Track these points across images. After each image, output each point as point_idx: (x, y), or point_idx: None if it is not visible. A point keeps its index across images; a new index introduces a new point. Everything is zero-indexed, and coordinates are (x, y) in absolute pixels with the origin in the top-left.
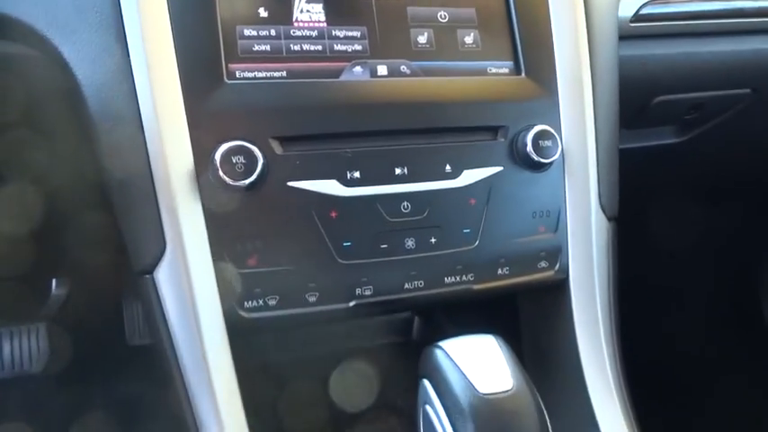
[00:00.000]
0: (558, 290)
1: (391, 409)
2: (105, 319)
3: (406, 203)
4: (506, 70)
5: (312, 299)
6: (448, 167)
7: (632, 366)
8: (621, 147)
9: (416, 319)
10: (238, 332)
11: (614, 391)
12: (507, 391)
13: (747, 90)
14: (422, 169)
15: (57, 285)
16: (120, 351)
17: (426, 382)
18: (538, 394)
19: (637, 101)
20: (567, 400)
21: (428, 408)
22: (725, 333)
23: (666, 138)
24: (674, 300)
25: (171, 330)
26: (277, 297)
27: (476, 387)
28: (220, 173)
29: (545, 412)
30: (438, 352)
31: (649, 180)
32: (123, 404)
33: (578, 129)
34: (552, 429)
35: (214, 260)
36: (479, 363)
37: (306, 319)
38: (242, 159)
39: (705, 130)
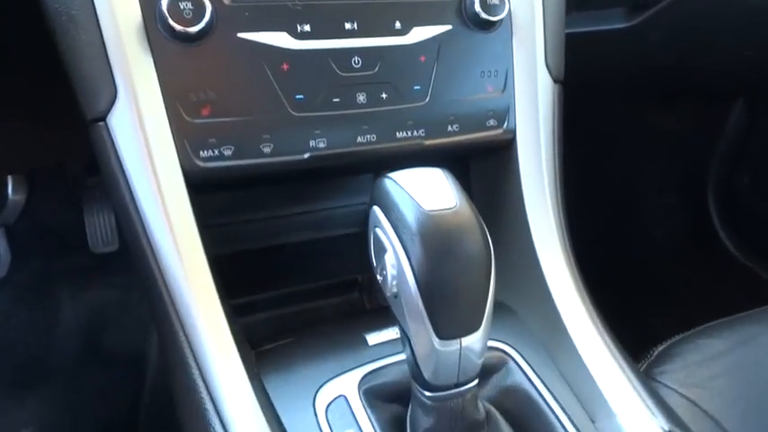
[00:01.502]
0: (505, 149)
1: (352, 284)
2: (67, 227)
3: (356, 58)
4: None
5: (267, 149)
6: (398, 24)
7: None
8: (570, 31)
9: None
10: (196, 184)
11: (557, 238)
12: (451, 208)
13: None
14: (372, 25)
15: (13, 189)
16: (84, 260)
17: (376, 208)
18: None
19: None
20: (513, 247)
21: (378, 230)
22: (671, 225)
23: (615, 22)
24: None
25: (128, 181)
26: (232, 147)
27: (421, 205)
28: (168, 18)
29: (486, 229)
30: (387, 180)
31: (598, 71)
32: (90, 312)
33: None
34: (497, 272)
35: (167, 108)
36: (426, 188)
37: (262, 171)
38: (189, 6)
39: (653, 15)
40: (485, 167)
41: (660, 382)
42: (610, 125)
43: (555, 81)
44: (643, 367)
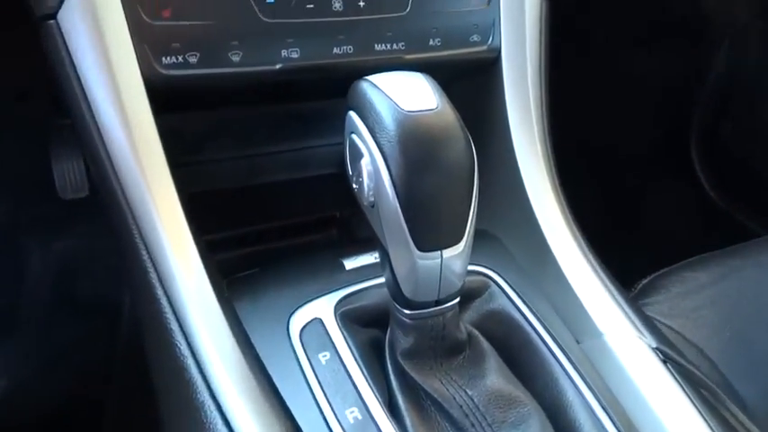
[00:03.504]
0: (489, 69)
1: (330, 221)
2: (34, 172)
3: None
4: None
5: (236, 58)
6: None
7: None
8: None
9: None
10: (159, 97)
11: (543, 163)
12: (432, 109)
13: None
14: None
15: None
16: (52, 208)
17: (352, 113)
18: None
19: None
20: (498, 174)
21: (354, 136)
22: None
23: None
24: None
25: (85, 89)
26: (197, 54)
27: (400, 106)
28: None
29: (469, 134)
30: (364, 83)
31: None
32: (60, 262)
33: None
34: (481, 199)
35: (124, 7)
36: (406, 90)
37: (230, 82)
38: None
39: None
40: (468, 89)
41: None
42: (590, 70)
43: None
44: None
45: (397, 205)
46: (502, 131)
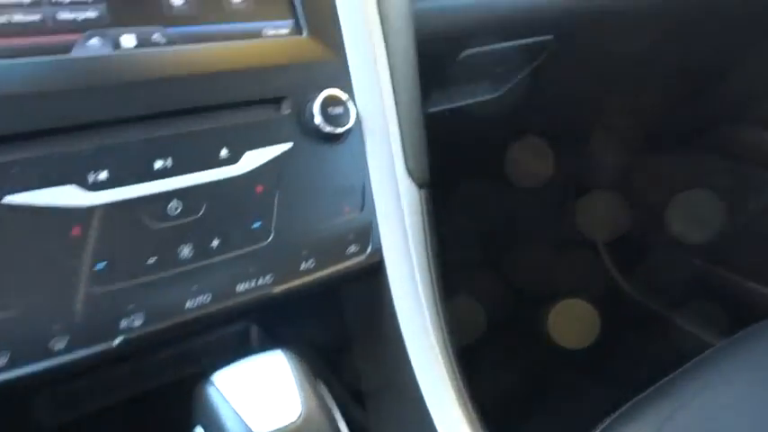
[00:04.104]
0: (374, 272)
1: None
2: None
3: (175, 203)
4: (286, 30)
5: (59, 345)
6: (224, 152)
7: None
8: (434, 110)
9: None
10: None
11: (444, 369)
12: (294, 422)
13: (550, 36)
14: (191, 158)
15: None
16: None
17: (199, 430)
18: (336, 412)
19: (443, 56)
20: (395, 385)
21: None
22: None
23: (481, 95)
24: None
25: None
26: (8, 353)
27: (251, 426)
28: None
29: None
30: (208, 390)
31: (468, 141)
32: None
33: (374, 89)
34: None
35: None
36: (261, 393)
37: (55, 374)
38: None
39: (517, 83)
40: (354, 293)
41: None
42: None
43: (420, 186)
44: None
45: None
46: (395, 339)
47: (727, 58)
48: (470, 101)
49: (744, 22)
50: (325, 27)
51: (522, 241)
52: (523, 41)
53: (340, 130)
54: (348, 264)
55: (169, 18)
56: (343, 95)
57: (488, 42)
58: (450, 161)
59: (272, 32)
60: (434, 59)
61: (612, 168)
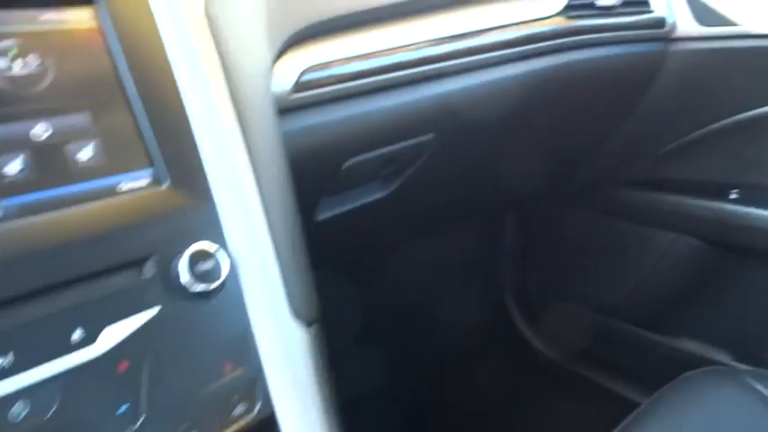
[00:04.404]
0: (267, 430)
1: None
2: None
3: (21, 404)
4: (144, 182)
5: None
6: (78, 333)
7: None
8: (326, 216)
9: None
10: None
11: None
12: None
13: (431, 135)
14: (37, 349)
15: None
16: None
17: None
18: None
19: (326, 169)
20: None
21: None
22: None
23: (371, 194)
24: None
25: None
26: None
27: None
28: None
29: None
30: None
31: (363, 236)
32: None
33: (248, 232)
34: None
35: None
36: None
37: None
38: None
39: (406, 179)
40: None
41: None
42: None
43: (310, 324)
44: None
45: None
46: None
47: (597, 135)
48: (361, 202)
49: (601, 109)
50: (188, 173)
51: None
52: (406, 143)
53: (212, 285)
54: (236, 427)
55: (4, 188)
56: (213, 247)
57: (372, 149)
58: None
59: (128, 186)
60: (318, 172)
61: (511, 235)
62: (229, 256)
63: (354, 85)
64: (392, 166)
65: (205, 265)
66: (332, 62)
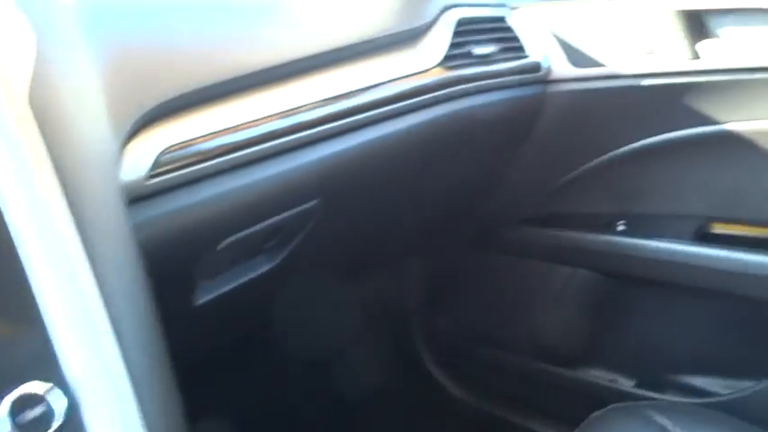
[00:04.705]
0: None
1: None
2: None
3: None
4: None
5: None
6: None
7: None
8: (206, 299)
9: None
10: None
11: None
12: None
13: (315, 201)
14: None
15: None
16: None
17: None
18: None
19: (199, 252)
20: None
21: None
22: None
23: (256, 269)
24: None
25: None
26: None
27: None
28: None
29: None
30: None
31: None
32: None
33: (94, 359)
34: None
35: None
36: None
37: None
38: None
39: (294, 249)
40: None
41: None
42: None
43: None
44: None
45: None
46: None
47: (487, 178)
48: (245, 279)
49: (488, 154)
50: (9, 295)
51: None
52: (289, 213)
53: None
54: None
55: None
56: (44, 387)
57: (251, 224)
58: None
59: None
60: (191, 256)
61: (417, 279)
62: (67, 395)
63: (223, 161)
64: (276, 237)
65: (33, 413)
66: (195, 139)
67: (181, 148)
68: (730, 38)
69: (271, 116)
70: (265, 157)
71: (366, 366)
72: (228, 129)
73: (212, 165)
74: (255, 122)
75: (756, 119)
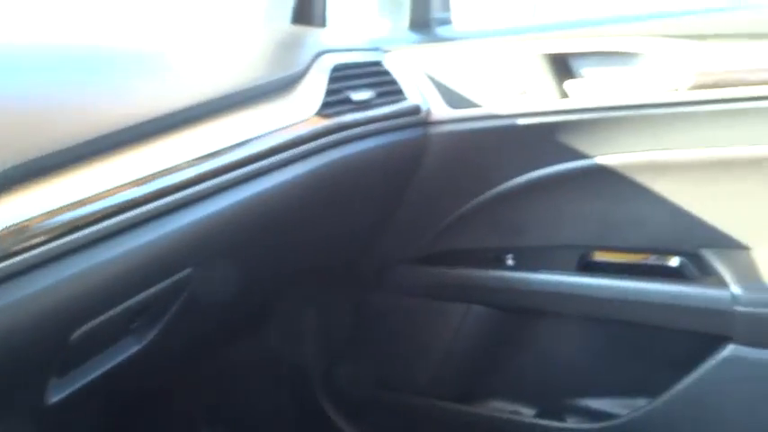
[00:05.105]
0: None
1: None
2: None
3: None
4: None
5: None
6: None
7: None
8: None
9: None
10: None
11: None
12: None
13: (188, 270)
14: None
15: None
16: None
17: None
18: None
19: (45, 346)
20: None
21: None
22: None
23: (122, 353)
24: None
25: None
26: None
27: None
28: None
29: None
30: None
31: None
32: None
33: None
34: None
35: None
36: None
37: None
38: None
39: (165, 325)
40: None
41: None
42: None
43: None
44: None
45: None
46: None
47: (375, 221)
48: (109, 366)
49: (374, 198)
50: None
51: None
52: (157, 287)
53: None
54: None
55: None
56: None
57: (108, 308)
58: None
59: None
60: (33, 353)
61: (313, 327)
62: None
63: (68, 241)
64: (144, 316)
65: None
66: (32, 219)
67: (16, 232)
68: (593, 78)
69: (127, 184)
70: (121, 230)
71: (269, 423)
72: (75, 203)
73: (55, 246)
74: (109, 192)
75: (622, 152)
